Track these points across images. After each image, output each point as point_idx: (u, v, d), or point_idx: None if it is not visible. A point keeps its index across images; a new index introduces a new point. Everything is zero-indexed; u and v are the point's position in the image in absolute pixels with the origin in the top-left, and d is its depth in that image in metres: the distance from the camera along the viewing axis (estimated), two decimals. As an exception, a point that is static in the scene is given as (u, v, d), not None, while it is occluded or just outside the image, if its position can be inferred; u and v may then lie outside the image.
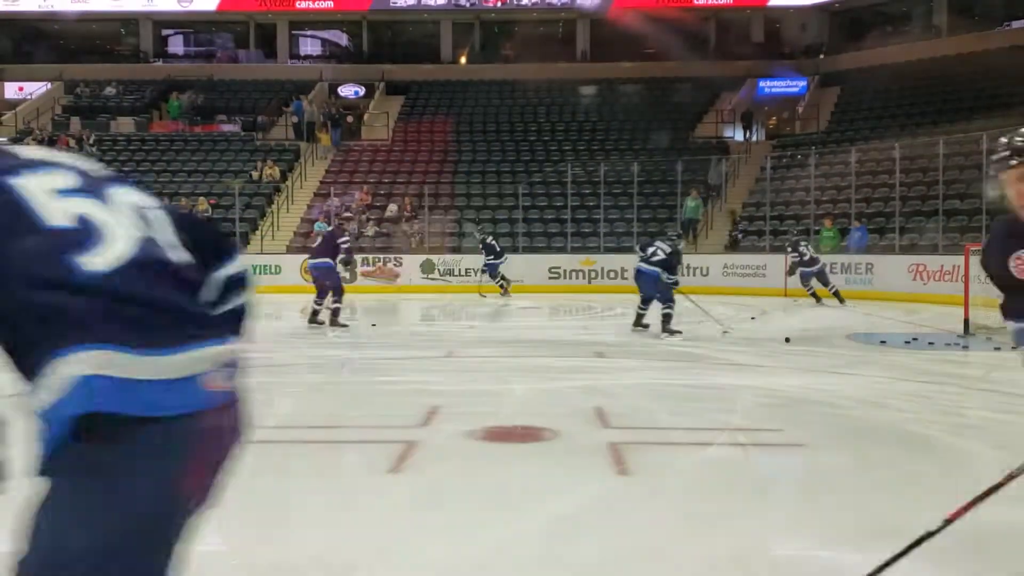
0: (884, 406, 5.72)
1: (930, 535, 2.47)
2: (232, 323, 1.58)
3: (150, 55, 31.54)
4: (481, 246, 17.18)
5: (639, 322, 10.37)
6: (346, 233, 11.68)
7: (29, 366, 1.36)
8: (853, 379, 6.87)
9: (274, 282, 18.79)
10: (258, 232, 21.18)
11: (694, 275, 17.73)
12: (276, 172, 23.25)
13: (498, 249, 17.14)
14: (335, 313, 11.02)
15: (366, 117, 27.28)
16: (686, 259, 18.70)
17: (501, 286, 16.95)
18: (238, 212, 20.55)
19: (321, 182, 23.27)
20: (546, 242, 20.62)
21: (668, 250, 10.08)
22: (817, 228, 18.35)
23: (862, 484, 4.07)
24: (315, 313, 11.09)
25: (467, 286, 18.02)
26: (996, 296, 3.11)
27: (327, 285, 11.02)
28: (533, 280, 17.98)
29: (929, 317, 12.08)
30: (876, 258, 16.58)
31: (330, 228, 12.87)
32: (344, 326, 10.98)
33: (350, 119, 26.81)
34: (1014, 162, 3.00)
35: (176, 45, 33.31)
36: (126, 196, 1.57)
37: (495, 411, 5.57)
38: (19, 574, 1.40)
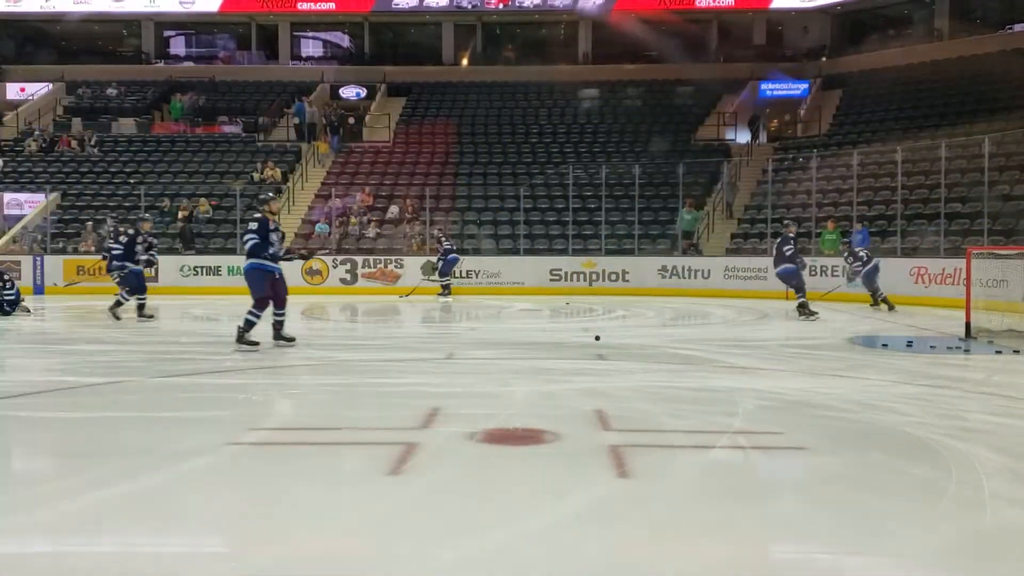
0: (885, 409, 5.70)
1: None
2: None
3: (152, 56, 31.59)
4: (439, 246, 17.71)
5: None
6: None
7: None
8: (854, 382, 6.86)
9: (275, 283, 18.80)
10: (259, 233, 21.16)
11: (695, 277, 17.74)
12: (277, 173, 23.26)
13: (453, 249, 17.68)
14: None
15: (367, 119, 27.28)
16: (688, 261, 18.85)
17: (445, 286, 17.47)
18: (239, 213, 20.55)
19: (322, 183, 23.29)
20: (547, 244, 20.62)
21: None
22: (819, 231, 18.35)
23: (863, 488, 4.06)
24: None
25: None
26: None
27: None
28: (534, 282, 17.98)
29: (930, 320, 12.06)
30: (878, 261, 16.55)
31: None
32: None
33: (351, 120, 26.84)
34: None
35: (178, 46, 33.36)
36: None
37: (495, 413, 5.56)
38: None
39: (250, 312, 8.79)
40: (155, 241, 13.15)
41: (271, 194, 9.73)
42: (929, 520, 3.60)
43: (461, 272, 19.07)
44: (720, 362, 8.08)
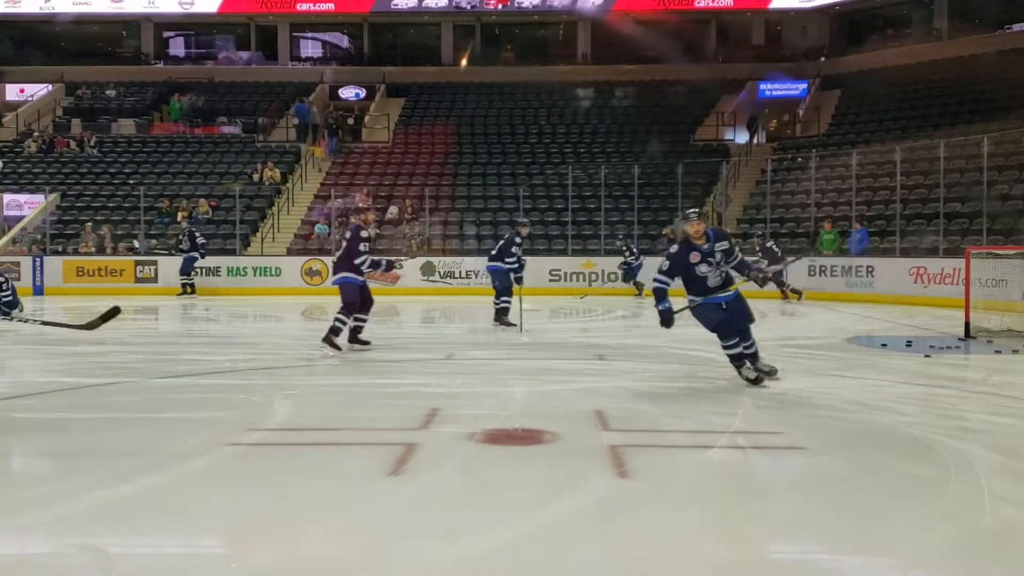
0: (884, 409, 5.71)
1: None
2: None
3: (151, 57, 31.56)
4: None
5: None
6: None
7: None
8: (853, 382, 6.86)
9: (274, 284, 18.80)
10: (258, 234, 21.19)
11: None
12: (276, 174, 23.25)
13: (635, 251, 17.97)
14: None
15: (367, 119, 27.28)
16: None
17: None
18: (238, 214, 20.55)
19: (321, 184, 23.28)
20: (546, 244, 20.62)
21: None
22: (817, 231, 18.36)
23: (862, 487, 4.06)
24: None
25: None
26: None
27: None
28: (533, 282, 17.94)
29: (929, 320, 12.07)
30: (877, 261, 16.59)
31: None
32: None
33: (351, 121, 26.83)
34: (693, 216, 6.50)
35: (177, 47, 33.33)
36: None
37: (495, 413, 5.57)
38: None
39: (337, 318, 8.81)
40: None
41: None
42: (929, 520, 3.61)
43: (461, 273, 19.07)
44: (720, 362, 8.08)
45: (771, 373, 6.69)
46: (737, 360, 6.65)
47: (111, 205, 22.15)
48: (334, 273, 9.11)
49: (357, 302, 8.92)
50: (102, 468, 4.32)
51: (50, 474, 4.43)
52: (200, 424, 5.44)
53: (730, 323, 6.66)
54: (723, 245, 6.65)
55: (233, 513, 3.71)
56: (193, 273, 18.09)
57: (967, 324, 9.93)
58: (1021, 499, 3.87)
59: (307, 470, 4.37)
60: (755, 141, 25.63)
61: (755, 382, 6.48)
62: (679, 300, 6.62)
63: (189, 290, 17.91)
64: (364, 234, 8.88)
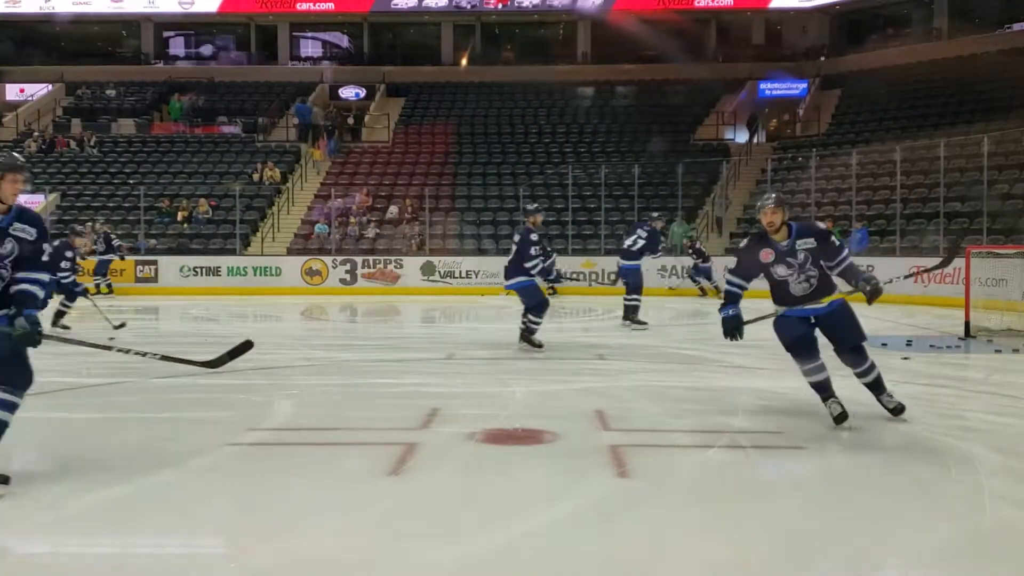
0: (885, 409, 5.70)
1: None
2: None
3: (151, 57, 31.57)
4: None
5: None
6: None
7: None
8: (854, 381, 6.84)
9: (274, 284, 18.81)
10: (258, 234, 21.19)
11: (694, 277, 17.71)
12: (276, 174, 23.25)
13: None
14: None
15: (367, 119, 27.27)
16: (688, 261, 18.83)
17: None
18: (238, 214, 20.55)
19: (322, 184, 23.28)
20: (547, 244, 20.58)
21: None
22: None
23: (863, 488, 4.06)
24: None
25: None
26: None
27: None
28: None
29: (930, 319, 12.06)
30: (877, 260, 16.56)
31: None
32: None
33: (351, 120, 26.83)
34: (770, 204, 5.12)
35: (177, 47, 33.33)
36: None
37: (495, 413, 5.56)
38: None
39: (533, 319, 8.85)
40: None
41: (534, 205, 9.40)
42: (929, 520, 3.61)
43: (461, 273, 19.07)
44: (720, 362, 8.08)
45: (896, 410, 5.37)
46: (822, 389, 5.30)
47: (111, 205, 22.15)
48: (507, 277, 8.97)
49: (545, 300, 8.90)
50: (102, 468, 4.32)
51: (50, 474, 4.42)
52: (200, 424, 5.44)
53: (812, 342, 5.32)
54: (807, 243, 5.25)
55: (233, 513, 3.71)
56: (109, 274, 17.94)
57: (967, 323, 9.93)
58: (1021, 499, 3.87)
59: (307, 470, 4.37)
60: (755, 141, 25.61)
61: (838, 420, 5.16)
62: (762, 306, 5.66)
63: (105, 289, 17.74)
64: (534, 237, 8.76)
